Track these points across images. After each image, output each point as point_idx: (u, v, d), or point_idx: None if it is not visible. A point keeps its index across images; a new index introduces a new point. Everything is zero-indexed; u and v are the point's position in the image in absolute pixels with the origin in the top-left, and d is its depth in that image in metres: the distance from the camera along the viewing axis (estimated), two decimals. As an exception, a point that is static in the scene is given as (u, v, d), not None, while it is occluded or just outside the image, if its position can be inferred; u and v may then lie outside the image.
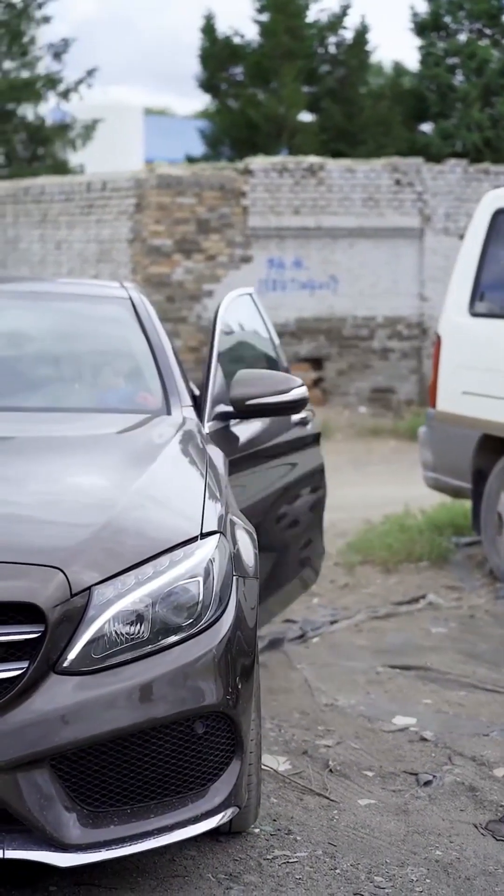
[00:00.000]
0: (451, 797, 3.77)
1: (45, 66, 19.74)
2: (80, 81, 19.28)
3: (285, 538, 4.80)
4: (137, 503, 3.19)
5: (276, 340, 5.21)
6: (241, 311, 4.94)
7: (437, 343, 7.20)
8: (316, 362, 14.67)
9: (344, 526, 8.00)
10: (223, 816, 2.98)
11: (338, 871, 3.20)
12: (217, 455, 3.92)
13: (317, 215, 14.43)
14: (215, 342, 4.30)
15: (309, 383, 13.92)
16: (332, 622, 5.86)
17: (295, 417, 4.89)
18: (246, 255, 14.25)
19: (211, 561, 3.04)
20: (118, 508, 3.12)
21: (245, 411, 4.07)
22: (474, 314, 6.93)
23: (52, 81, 19.30)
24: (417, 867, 3.24)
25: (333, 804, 3.69)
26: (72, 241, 15.10)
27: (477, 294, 6.94)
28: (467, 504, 7.31)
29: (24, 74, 19.18)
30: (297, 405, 4.10)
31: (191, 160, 20.67)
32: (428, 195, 14.84)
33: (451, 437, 7.03)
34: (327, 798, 3.73)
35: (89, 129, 19.10)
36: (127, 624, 2.89)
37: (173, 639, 2.93)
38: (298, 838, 3.41)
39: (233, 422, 4.24)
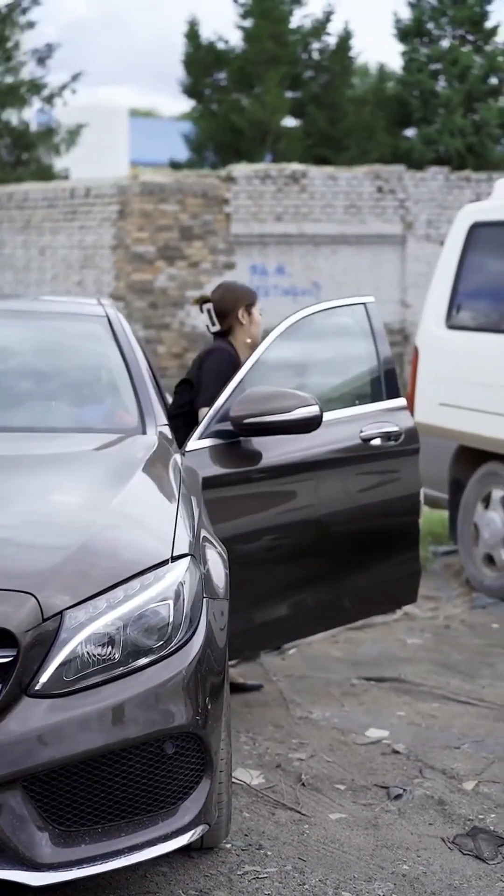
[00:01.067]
0: (421, 811, 3.83)
1: (29, 71, 19.77)
2: (63, 87, 19.31)
3: (343, 551, 4.70)
4: (109, 526, 3.25)
5: (385, 355, 4.87)
6: (350, 320, 4.89)
7: (415, 355, 7.28)
8: (299, 368, 14.73)
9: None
10: (193, 834, 3.04)
11: (306, 886, 3.26)
12: (192, 475, 3.98)
13: (299, 222, 14.50)
14: (249, 360, 4.41)
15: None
16: (309, 633, 5.92)
17: (370, 431, 4.68)
18: (229, 261, 14.31)
19: (181, 584, 3.10)
20: (90, 531, 3.18)
21: (245, 430, 4.15)
22: (451, 326, 7.01)
23: (36, 87, 19.33)
24: (384, 882, 3.30)
25: (305, 818, 3.75)
26: (56, 247, 15.14)
27: (454, 307, 7.02)
28: (446, 513, 7.38)
29: (9, 80, 19.20)
30: (303, 424, 4.14)
31: (175, 165, 20.73)
32: (410, 202, 14.93)
33: (428, 448, 7.08)
34: (299, 812, 3.79)
35: (73, 134, 19.13)
36: (98, 647, 2.95)
37: (144, 661, 2.99)
38: (269, 853, 3.47)
39: (253, 438, 4.30)
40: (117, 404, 4.29)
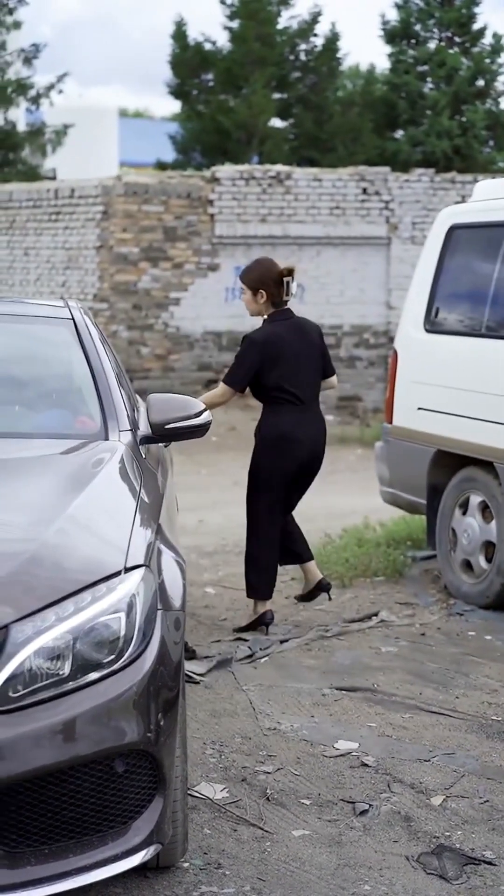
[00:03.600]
0: (386, 827, 3.74)
1: (16, 71, 19.66)
2: (50, 87, 19.21)
3: None
4: (63, 535, 3.15)
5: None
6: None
7: (394, 358, 7.19)
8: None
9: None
10: (145, 854, 2.95)
11: (264, 907, 3.17)
12: (154, 480, 3.89)
13: (283, 223, 14.42)
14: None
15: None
16: (283, 641, 5.82)
17: None
18: (213, 262, 14.22)
19: (134, 595, 3.00)
20: (41, 541, 3.08)
21: (162, 435, 4.09)
22: (429, 330, 6.92)
23: (22, 87, 19.22)
24: (345, 902, 3.21)
25: (267, 835, 3.65)
26: (39, 247, 15.04)
27: (432, 310, 6.94)
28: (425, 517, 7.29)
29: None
30: (205, 428, 4.13)
31: (162, 166, 20.64)
32: (394, 204, 14.85)
33: (406, 453, 7.02)
34: (261, 829, 3.69)
35: (60, 134, 19.03)
36: (47, 661, 2.85)
37: (94, 676, 2.89)
38: (228, 873, 3.37)
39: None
40: (80, 409, 4.20)
